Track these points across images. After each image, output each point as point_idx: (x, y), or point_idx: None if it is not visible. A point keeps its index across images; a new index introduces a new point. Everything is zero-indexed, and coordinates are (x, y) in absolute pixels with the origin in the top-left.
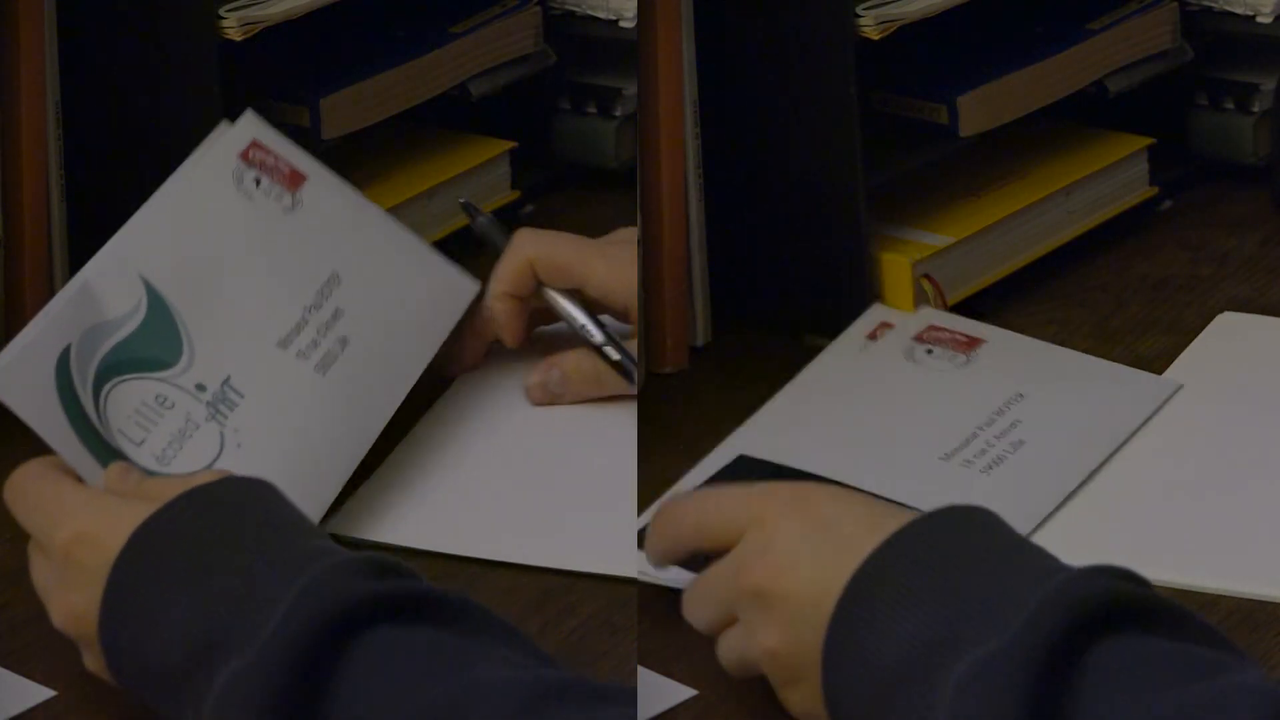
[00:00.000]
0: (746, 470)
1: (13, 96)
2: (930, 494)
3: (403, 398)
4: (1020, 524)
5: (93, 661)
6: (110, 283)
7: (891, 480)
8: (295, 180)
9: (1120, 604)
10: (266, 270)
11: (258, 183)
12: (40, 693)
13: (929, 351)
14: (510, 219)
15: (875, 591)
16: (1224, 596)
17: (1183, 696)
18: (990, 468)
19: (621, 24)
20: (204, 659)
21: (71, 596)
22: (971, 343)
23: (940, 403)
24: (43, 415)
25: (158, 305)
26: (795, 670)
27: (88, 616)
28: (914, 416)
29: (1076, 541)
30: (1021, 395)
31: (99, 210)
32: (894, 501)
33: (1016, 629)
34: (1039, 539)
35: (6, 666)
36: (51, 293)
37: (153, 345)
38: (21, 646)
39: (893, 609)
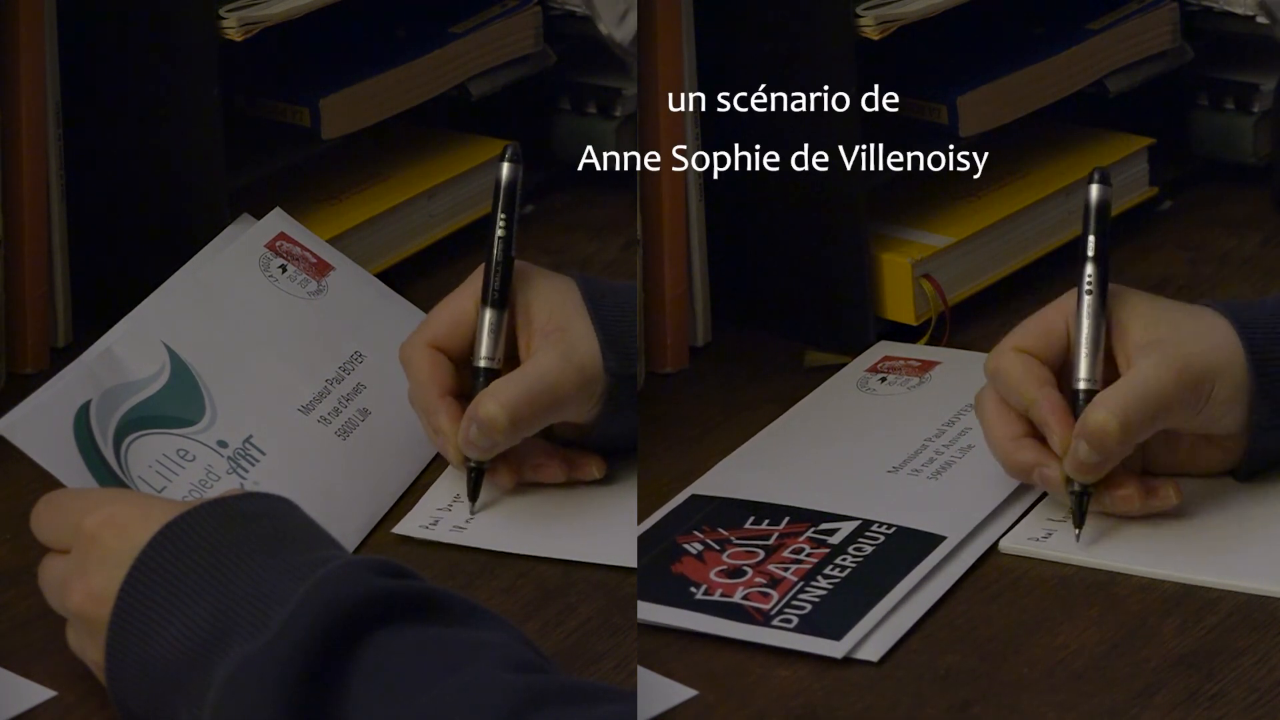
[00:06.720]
0: (698, 508)
1: (13, 96)
2: (876, 505)
3: (421, 469)
4: (971, 518)
5: (94, 651)
6: (133, 349)
7: (839, 497)
8: (322, 269)
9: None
10: (289, 345)
11: (283, 269)
12: (40, 693)
13: (882, 379)
14: None
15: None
16: (1225, 595)
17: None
18: (938, 473)
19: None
20: (204, 657)
21: (93, 578)
22: (925, 366)
23: (891, 422)
24: (60, 461)
25: (181, 370)
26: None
27: (105, 598)
28: (864, 437)
29: (1080, 539)
30: (973, 405)
31: (99, 210)
32: None
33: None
34: (1037, 536)
35: (6, 666)
36: (52, 293)
37: (175, 405)
38: (21, 646)
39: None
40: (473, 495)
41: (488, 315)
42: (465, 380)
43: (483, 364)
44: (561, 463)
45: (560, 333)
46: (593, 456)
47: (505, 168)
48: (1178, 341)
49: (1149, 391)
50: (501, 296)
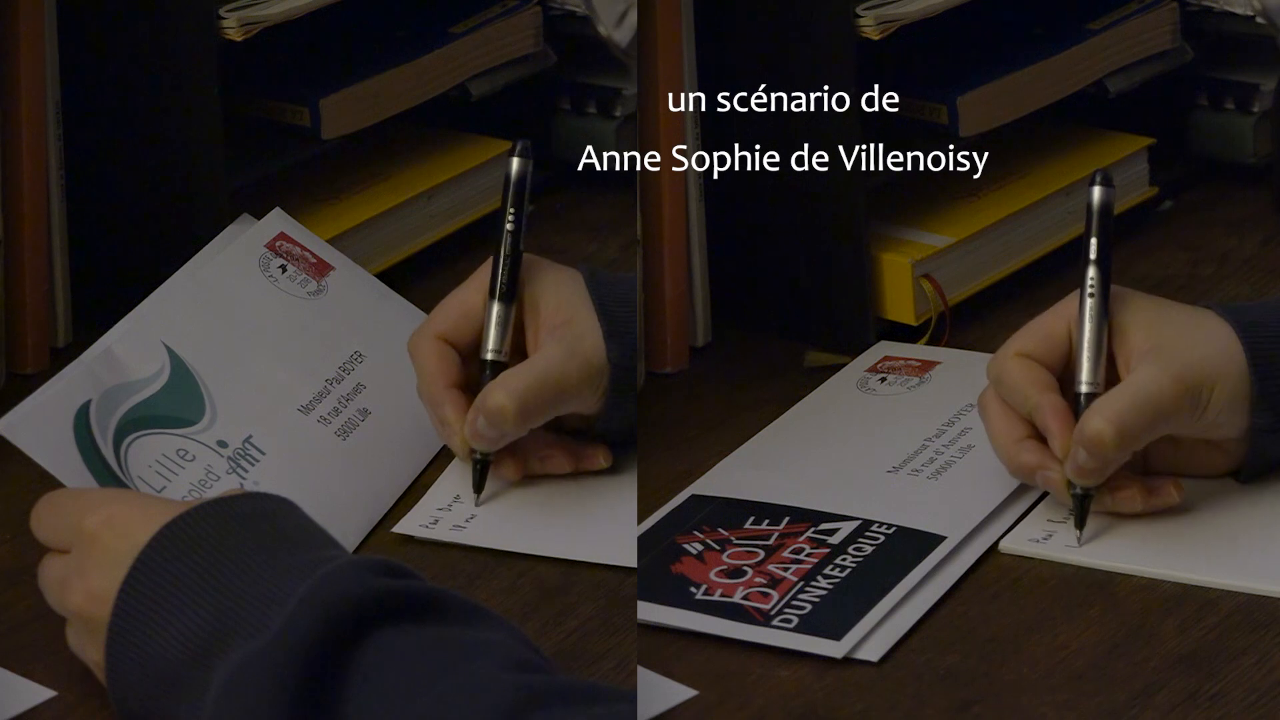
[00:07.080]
0: (698, 508)
1: (13, 96)
2: (876, 505)
3: (421, 469)
4: (971, 518)
5: (94, 651)
6: (133, 349)
7: (839, 497)
8: (321, 269)
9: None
10: (289, 345)
11: (283, 269)
12: (40, 693)
13: (882, 379)
14: None
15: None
16: (1225, 595)
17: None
18: (938, 474)
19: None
20: (204, 657)
21: (92, 578)
22: (925, 366)
23: (891, 422)
24: (60, 460)
25: (180, 370)
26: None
27: (105, 598)
28: (864, 437)
29: (1081, 540)
30: (973, 405)
31: (99, 210)
32: None
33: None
34: (1038, 537)
35: (6, 666)
36: (52, 293)
37: (175, 405)
38: (21, 646)
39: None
40: (478, 487)
41: (495, 308)
42: (472, 373)
43: (490, 356)
44: (568, 453)
45: (567, 326)
46: (599, 446)
47: (515, 163)
48: (1177, 349)
49: (1146, 400)
50: (509, 290)
